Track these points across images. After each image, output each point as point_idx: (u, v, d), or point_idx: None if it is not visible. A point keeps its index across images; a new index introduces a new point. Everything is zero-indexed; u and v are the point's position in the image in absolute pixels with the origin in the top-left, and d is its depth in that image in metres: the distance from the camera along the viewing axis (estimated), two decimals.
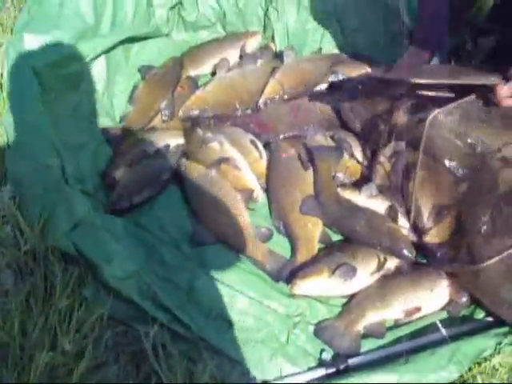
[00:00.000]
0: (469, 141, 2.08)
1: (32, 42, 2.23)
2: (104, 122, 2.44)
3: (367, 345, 2.02)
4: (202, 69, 2.69)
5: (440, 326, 1.98)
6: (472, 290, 2.04)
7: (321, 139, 2.39)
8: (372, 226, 2.15)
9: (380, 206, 2.22)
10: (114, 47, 2.45)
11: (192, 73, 2.66)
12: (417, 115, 2.10)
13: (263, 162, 2.35)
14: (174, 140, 2.39)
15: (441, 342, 1.94)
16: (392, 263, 2.13)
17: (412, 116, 2.13)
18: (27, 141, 2.10)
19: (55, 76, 2.25)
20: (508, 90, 1.92)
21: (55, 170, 2.07)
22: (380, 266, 2.10)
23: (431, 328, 2.02)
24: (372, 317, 2.03)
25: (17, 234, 2.02)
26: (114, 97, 2.49)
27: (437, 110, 2.00)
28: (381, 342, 2.02)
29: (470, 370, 1.88)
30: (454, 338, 1.94)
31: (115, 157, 2.33)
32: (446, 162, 2.10)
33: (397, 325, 2.06)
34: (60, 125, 2.20)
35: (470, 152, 2.09)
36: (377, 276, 2.11)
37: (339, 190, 2.27)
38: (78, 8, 2.36)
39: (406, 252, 2.10)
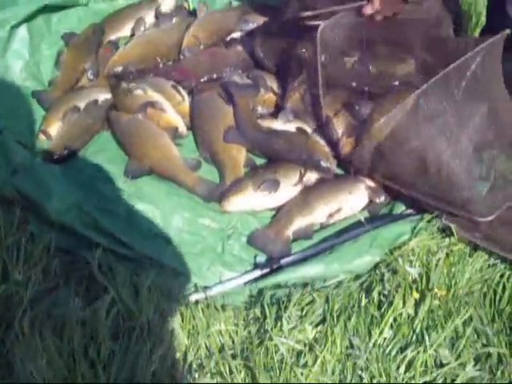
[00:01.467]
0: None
1: None
2: (33, 85, 2.58)
3: (298, 248, 2.20)
4: (121, 32, 2.86)
5: (360, 217, 2.18)
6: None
7: (237, 79, 2.59)
8: (291, 143, 2.34)
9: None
10: (34, 16, 2.60)
11: (112, 36, 2.83)
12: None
13: (186, 104, 2.54)
14: (102, 95, 2.57)
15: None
16: (313, 175, 2.32)
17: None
18: None
19: None
20: (371, 8, 2.19)
21: None
22: (301, 178, 2.29)
23: (354, 226, 2.22)
24: (299, 222, 2.22)
25: None
26: (40, 63, 2.64)
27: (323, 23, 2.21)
28: (310, 243, 2.21)
29: (391, 253, 2.08)
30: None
31: (48, 115, 2.49)
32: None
33: (323, 227, 2.25)
34: None
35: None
36: (299, 187, 2.30)
37: (259, 120, 2.47)
38: None
39: (323, 163, 2.30)
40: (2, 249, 2.02)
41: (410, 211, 2.25)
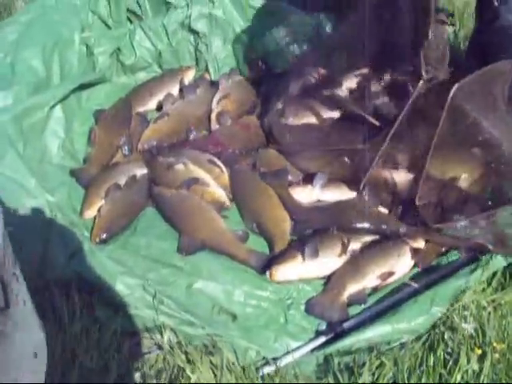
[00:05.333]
0: None
1: None
2: (70, 163, 2.61)
3: (354, 312, 2.26)
4: (148, 105, 2.92)
5: (411, 282, 2.26)
6: None
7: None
8: (363, 216, 2.43)
9: (341, 192, 2.53)
10: (67, 96, 2.63)
11: (140, 109, 2.88)
12: None
13: (225, 176, 2.60)
14: (138, 170, 2.60)
15: (417, 293, 2.21)
16: (356, 244, 2.39)
17: None
18: (10, 189, 2.25)
19: (20, 127, 2.42)
20: None
21: (42, 210, 2.24)
22: (344, 247, 2.35)
23: (405, 285, 2.29)
24: (352, 287, 2.27)
25: None
26: (73, 141, 2.67)
27: None
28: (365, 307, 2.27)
29: (447, 310, 2.17)
30: (428, 286, 2.23)
31: (90, 193, 2.50)
32: None
33: (376, 290, 2.31)
34: (34, 171, 2.35)
35: None
36: (345, 257, 2.35)
37: (293, 188, 2.55)
38: (29, 64, 2.56)
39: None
40: (70, 336, 2.02)
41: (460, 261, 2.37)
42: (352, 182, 2.51)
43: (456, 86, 2.11)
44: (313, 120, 2.67)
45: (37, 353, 1.15)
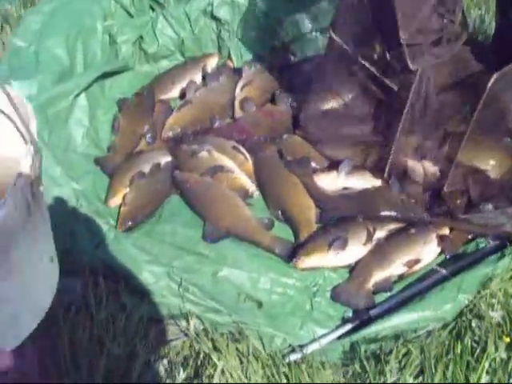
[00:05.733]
0: None
1: (20, 87, 2.40)
2: (95, 152, 2.61)
3: (380, 300, 2.25)
4: (172, 93, 2.92)
5: (439, 268, 2.25)
6: None
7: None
8: (390, 203, 2.42)
9: (367, 179, 2.51)
10: (90, 84, 2.64)
11: (163, 97, 2.88)
12: None
13: (250, 163, 2.59)
14: (162, 158, 2.59)
15: (444, 280, 2.20)
16: (382, 232, 2.37)
17: None
18: None
19: (46, 115, 2.44)
20: None
21: (68, 198, 2.26)
22: (370, 235, 2.33)
23: (431, 272, 2.29)
24: (378, 275, 2.26)
25: None
26: (98, 129, 2.67)
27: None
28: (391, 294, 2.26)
29: (474, 297, 2.15)
30: (455, 273, 2.21)
31: (114, 182, 2.50)
32: None
33: (402, 278, 2.30)
34: (59, 159, 2.36)
35: None
36: (370, 245, 2.34)
37: (318, 175, 2.53)
38: (53, 53, 2.57)
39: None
40: (97, 323, 2.03)
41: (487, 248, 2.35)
42: (377, 170, 2.50)
43: (494, 76, 2.07)
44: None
45: (52, 257, 1.17)
